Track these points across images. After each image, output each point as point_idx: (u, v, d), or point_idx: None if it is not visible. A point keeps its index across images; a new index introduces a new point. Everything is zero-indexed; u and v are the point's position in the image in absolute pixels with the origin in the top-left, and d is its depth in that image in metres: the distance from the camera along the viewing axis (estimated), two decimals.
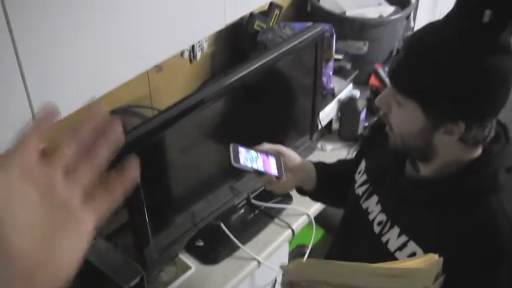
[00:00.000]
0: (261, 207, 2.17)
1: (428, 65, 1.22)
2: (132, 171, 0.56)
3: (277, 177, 1.56)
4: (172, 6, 1.54)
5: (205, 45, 2.27)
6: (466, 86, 1.20)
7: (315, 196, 1.74)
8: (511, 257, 1.24)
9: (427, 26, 1.29)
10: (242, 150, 1.55)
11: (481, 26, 1.16)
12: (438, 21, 1.26)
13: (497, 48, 1.19)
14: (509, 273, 1.25)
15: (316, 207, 2.19)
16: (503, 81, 1.22)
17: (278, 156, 1.60)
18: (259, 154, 1.57)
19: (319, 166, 1.69)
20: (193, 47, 2.21)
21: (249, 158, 1.55)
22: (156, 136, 1.65)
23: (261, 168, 1.54)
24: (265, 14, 2.39)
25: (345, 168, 1.69)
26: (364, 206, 1.50)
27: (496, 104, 1.24)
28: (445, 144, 1.28)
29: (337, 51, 2.50)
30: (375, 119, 2.42)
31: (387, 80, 2.26)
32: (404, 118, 1.29)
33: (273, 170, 1.56)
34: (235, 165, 1.51)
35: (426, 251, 1.30)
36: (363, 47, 2.59)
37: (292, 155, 1.65)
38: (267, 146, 1.62)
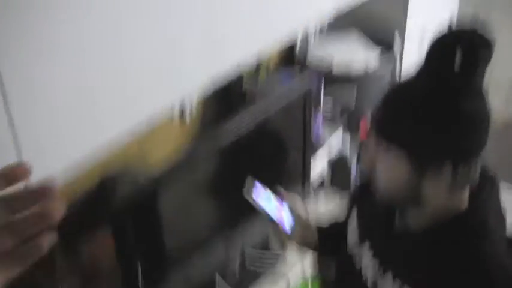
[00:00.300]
0: (256, 258, 2.21)
1: (407, 113, 1.27)
2: (41, 242, 0.61)
3: (287, 233, 1.55)
4: (161, 63, 1.59)
5: (194, 102, 2.35)
6: (446, 129, 1.26)
7: (316, 250, 1.76)
8: None
9: (403, 77, 1.36)
10: (259, 186, 1.53)
11: (453, 74, 1.24)
12: (414, 72, 1.32)
13: (471, 92, 1.26)
14: None
15: (311, 258, 2.22)
16: (480, 122, 1.27)
17: (293, 207, 1.59)
18: (274, 197, 1.55)
19: (320, 227, 1.72)
20: (182, 105, 2.28)
21: (264, 196, 1.52)
22: (149, 196, 1.71)
23: (273, 214, 1.52)
24: (254, 70, 2.47)
25: (340, 228, 1.70)
26: (356, 252, 1.54)
27: (477, 144, 1.29)
28: (434, 189, 1.32)
29: (325, 100, 2.59)
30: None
31: None
32: (391, 169, 1.33)
33: (286, 221, 1.54)
34: (247, 197, 1.50)
35: None
36: (351, 93, 2.68)
37: (305, 210, 1.66)
38: (285, 193, 1.62)
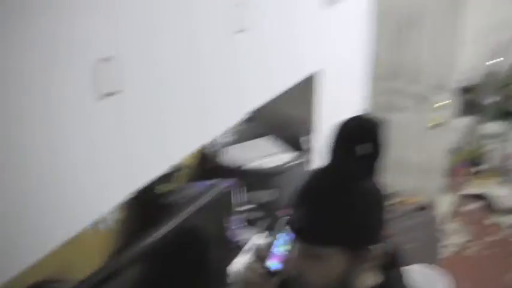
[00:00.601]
0: None
1: (334, 215, 1.38)
2: None
3: (271, 273, 1.65)
4: (75, 178, 1.66)
5: (114, 214, 2.41)
6: (370, 214, 1.39)
7: None
8: None
9: (311, 177, 1.46)
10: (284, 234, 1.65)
11: (355, 165, 1.38)
12: (318, 170, 1.46)
13: (375, 175, 1.42)
14: None
15: None
16: (386, 200, 1.44)
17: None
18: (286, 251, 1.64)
19: None
20: (103, 215, 2.33)
21: (281, 241, 1.66)
22: None
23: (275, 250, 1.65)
24: (169, 176, 2.57)
25: None
26: None
27: (386, 222, 1.43)
28: (363, 272, 1.43)
29: (246, 202, 2.71)
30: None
31: None
32: (327, 267, 1.41)
33: (274, 263, 1.66)
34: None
35: None
36: (269, 195, 2.81)
37: None
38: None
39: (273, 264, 1.68)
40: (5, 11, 1.32)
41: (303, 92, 3.01)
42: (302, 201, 1.43)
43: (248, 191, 2.72)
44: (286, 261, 1.51)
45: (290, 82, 2.75)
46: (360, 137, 1.39)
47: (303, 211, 1.41)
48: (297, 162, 2.91)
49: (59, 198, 1.62)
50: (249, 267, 1.71)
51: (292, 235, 1.44)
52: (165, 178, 2.53)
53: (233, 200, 2.48)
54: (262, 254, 1.70)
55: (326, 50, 3.06)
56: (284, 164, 2.89)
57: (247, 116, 2.46)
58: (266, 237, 1.70)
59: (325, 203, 1.38)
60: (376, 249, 1.42)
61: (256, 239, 2.67)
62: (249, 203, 2.75)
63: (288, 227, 1.46)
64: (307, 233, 1.40)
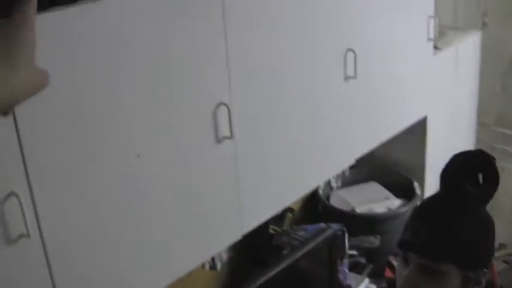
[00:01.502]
0: None
1: (456, 229, 1.44)
2: None
3: None
4: (188, 220, 1.81)
5: (224, 254, 2.51)
6: (485, 237, 1.47)
7: None
8: None
9: (431, 199, 1.55)
10: None
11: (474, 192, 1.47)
12: (438, 193, 1.52)
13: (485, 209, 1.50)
14: None
15: None
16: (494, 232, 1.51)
17: None
18: None
19: None
20: (213, 257, 2.44)
21: None
22: None
23: None
24: (278, 218, 2.66)
25: None
26: None
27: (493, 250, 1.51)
28: None
29: (350, 248, 2.76)
30: None
31: None
32: (443, 284, 1.45)
33: None
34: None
35: None
36: (375, 241, 2.85)
37: None
38: None
39: None
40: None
41: (411, 138, 3.06)
42: (423, 219, 1.50)
43: (354, 235, 2.76)
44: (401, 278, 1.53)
45: (397, 128, 2.82)
46: (477, 167, 1.49)
47: (423, 228, 1.47)
48: (404, 208, 2.93)
49: (171, 237, 1.75)
50: None
51: (407, 254, 1.49)
52: (277, 219, 2.62)
53: (341, 244, 2.54)
54: None
55: (434, 96, 3.13)
56: (391, 210, 2.92)
57: (355, 161, 2.52)
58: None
59: (447, 221, 1.46)
60: (487, 274, 1.47)
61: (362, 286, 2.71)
62: (355, 247, 2.79)
63: (402, 246, 1.51)
64: (427, 248, 1.46)
